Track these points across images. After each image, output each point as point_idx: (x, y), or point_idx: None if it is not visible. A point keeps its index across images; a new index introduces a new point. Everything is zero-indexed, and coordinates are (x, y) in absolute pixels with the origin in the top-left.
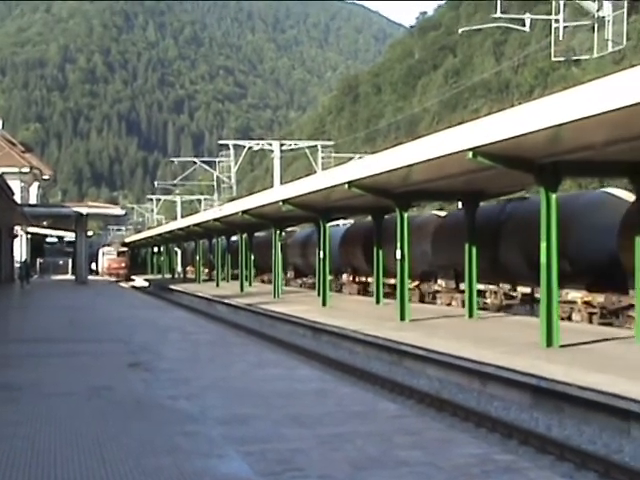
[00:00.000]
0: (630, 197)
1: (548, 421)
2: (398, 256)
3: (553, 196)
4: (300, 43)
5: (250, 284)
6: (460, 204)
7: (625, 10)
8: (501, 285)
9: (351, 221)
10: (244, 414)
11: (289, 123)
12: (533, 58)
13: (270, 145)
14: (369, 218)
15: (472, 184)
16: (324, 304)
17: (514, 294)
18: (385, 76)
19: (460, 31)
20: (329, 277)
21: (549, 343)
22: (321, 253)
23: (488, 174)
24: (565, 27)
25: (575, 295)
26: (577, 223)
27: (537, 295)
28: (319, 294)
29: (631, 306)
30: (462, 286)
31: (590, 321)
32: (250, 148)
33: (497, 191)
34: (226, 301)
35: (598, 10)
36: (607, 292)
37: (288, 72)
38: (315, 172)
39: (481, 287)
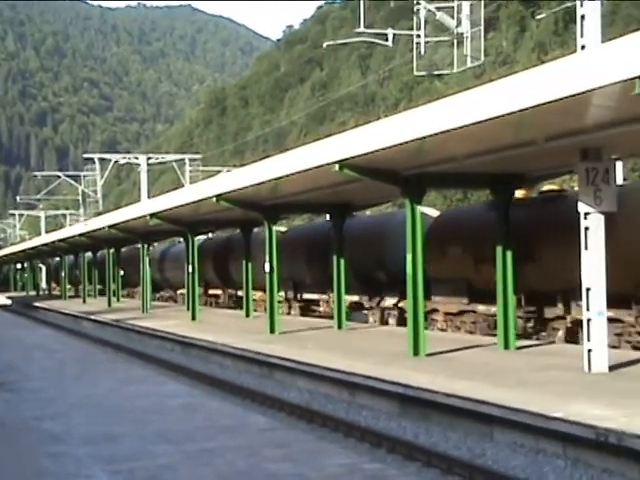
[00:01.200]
0: (434, 213)
1: (416, 429)
2: (267, 269)
3: (417, 208)
4: (166, 55)
5: (118, 299)
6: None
7: (482, 27)
8: (331, 295)
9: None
10: (111, 432)
11: (156, 136)
12: (398, 72)
13: (137, 159)
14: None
15: (340, 196)
16: (193, 318)
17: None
18: (252, 89)
19: (325, 45)
20: (198, 291)
21: (416, 352)
22: (190, 267)
23: (356, 186)
24: (426, 42)
25: (391, 302)
26: (393, 239)
27: (365, 303)
28: (188, 308)
29: (434, 310)
30: (299, 296)
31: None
32: (116, 162)
33: (365, 203)
34: (93, 317)
35: (457, 27)
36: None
37: (155, 85)
38: (183, 186)
39: (315, 297)
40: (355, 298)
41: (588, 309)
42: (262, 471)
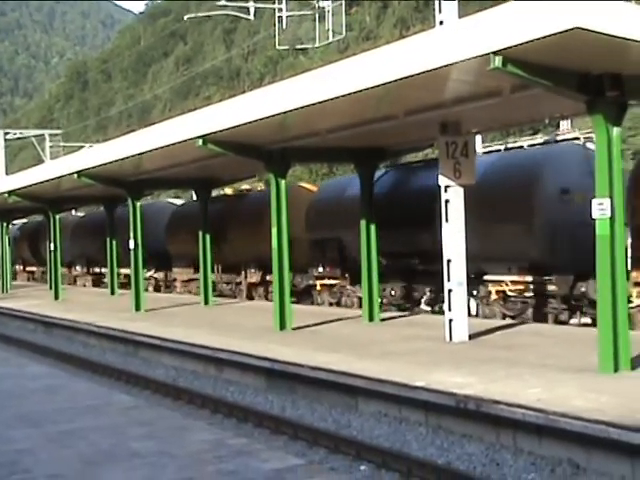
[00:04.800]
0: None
1: (282, 402)
2: (132, 246)
3: (282, 182)
4: (23, 27)
5: None
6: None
7: (344, 2)
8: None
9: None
10: None
11: (14, 111)
12: (262, 46)
13: None
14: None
15: (206, 171)
16: (56, 297)
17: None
18: (115, 63)
19: (186, 17)
20: (61, 269)
21: (282, 326)
22: (51, 245)
23: (221, 161)
24: (289, 16)
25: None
26: (153, 225)
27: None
28: (51, 287)
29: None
30: (92, 270)
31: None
32: None
33: (230, 178)
34: None
35: (318, 1)
36: (164, 270)
37: (11, 57)
38: (44, 162)
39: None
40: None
41: (449, 280)
42: (125, 450)
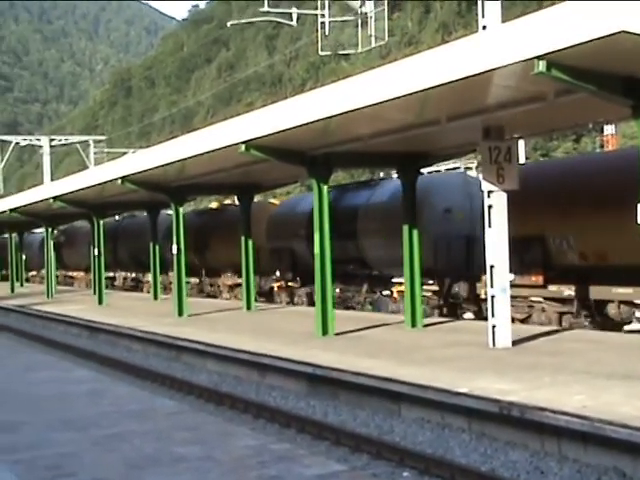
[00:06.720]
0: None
1: (324, 408)
2: (174, 251)
3: (324, 187)
4: (69, 35)
5: (22, 285)
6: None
7: (386, 7)
8: (124, 273)
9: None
10: (12, 421)
11: (60, 117)
12: (304, 52)
13: (39, 140)
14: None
15: (248, 177)
16: (100, 302)
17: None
18: (158, 69)
19: (229, 24)
20: (104, 274)
21: (325, 332)
22: (96, 250)
23: (263, 167)
24: (331, 22)
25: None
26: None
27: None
28: (94, 292)
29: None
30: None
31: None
32: (17, 144)
33: (273, 183)
34: None
35: (361, 7)
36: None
37: (57, 65)
38: (88, 168)
39: (114, 275)
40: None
41: (492, 286)
42: (170, 454)
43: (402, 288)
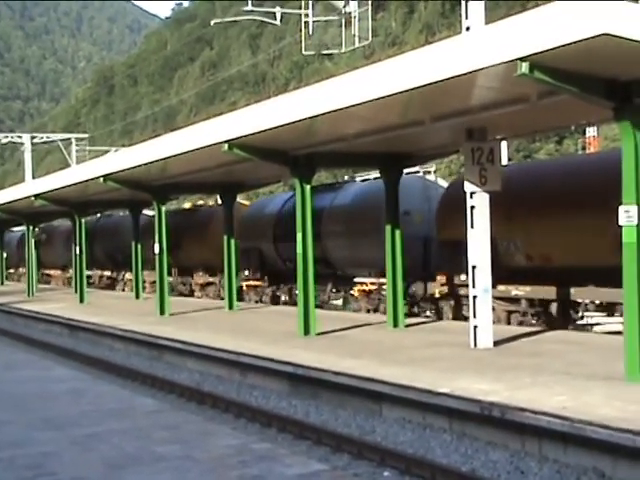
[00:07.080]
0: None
1: (306, 407)
2: (157, 250)
3: (307, 187)
4: (51, 32)
5: (2, 283)
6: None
7: (370, 7)
8: (99, 272)
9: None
10: None
11: (42, 115)
12: (288, 52)
13: (20, 138)
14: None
15: (231, 176)
16: (81, 301)
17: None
18: (141, 67)
19: (213, 23)
20: (85, 273)
21: (307, 331)
22: (77, 249)
23: (246, 166)
24: (315, 22)
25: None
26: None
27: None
28: (76, 291)
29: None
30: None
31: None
32: None
33: (256, 183)
34: None
35: (345, 7)
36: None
37: (39, 62)
38: (70, 166)
39: (90, 273)
40: (108, 273)
41: (474, 286)
42: (150, 454)
43: (364, 287)
